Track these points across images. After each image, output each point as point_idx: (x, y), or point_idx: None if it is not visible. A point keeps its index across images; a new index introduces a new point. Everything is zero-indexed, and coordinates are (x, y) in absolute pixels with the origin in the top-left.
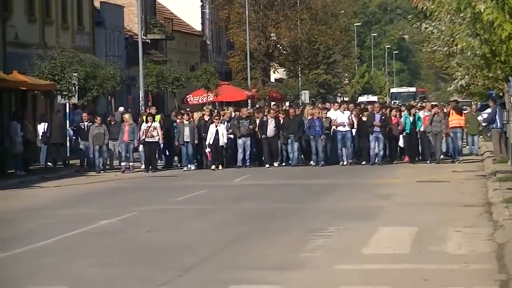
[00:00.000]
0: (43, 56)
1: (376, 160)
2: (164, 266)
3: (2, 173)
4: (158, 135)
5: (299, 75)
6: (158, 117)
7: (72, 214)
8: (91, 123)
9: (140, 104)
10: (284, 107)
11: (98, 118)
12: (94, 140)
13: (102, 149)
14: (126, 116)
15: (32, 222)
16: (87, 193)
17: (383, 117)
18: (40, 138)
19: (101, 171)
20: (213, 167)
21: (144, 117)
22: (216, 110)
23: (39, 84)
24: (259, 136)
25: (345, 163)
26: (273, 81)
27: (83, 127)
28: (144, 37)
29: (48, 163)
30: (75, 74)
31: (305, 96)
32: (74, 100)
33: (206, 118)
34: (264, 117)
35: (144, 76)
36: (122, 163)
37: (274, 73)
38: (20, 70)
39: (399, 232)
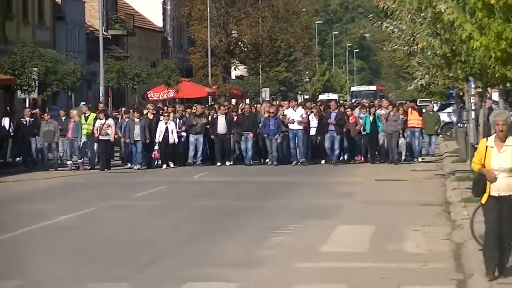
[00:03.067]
0: (3, 51)
1: (332, 160)
2: (122, 262)
3: None
4: (112, 133)
5: (260, 73)
6: (92, 116)
7: (30, 209)
8: (32, 119)
9: (100, 100)
10: (243, 105)
11: (47, 115)
12: (45, 137)
13: (52, 147)
14: (73, 112)
15: None
16: (45, 188)
17: (338, 116)
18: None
19: (52, 169)
20: (164, 166)
21: (92, 115)
22: (165, 108)
23: None
24: (211, 133)
25: (296, 162)
26: (234, 78)
27: (25, 122)
28: (105, 33)
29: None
30: (35, 69)
31: (265, 93)
32: (34, 95)
33: (151, 116)
34: (215, 114)
35: (104, 71)
36: (68, 162)
37: (235, 70)
38: None
39: (358, 231)
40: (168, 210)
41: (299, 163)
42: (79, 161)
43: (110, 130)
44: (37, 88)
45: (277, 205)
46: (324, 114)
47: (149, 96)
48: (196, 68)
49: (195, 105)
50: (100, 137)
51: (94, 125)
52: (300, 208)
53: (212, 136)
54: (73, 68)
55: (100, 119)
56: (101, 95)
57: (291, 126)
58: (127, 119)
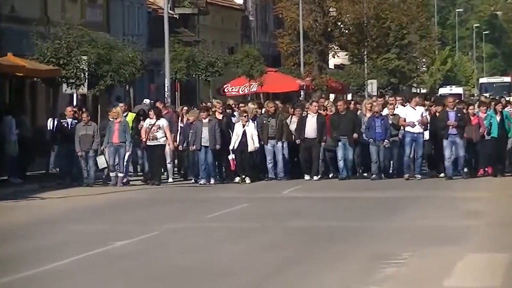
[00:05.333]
0: (45, 35)
1: (451, 172)
2: None
3: None
4: (163, 136)
5: (365, 61)
6: (131, 116)
7: (84, 232)
8: (76, 121)
9: (166, 96)
10: (341, 102)
11: (85, 114)
12: (81, 143)
13: (89, 155)
14: (117, 109)
15: (37, 239)
16: (99, 206)
17: (459, 115)
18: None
19: (88, 185)
20: (237, 179)
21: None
22: (233, 105)
23: (40, 69)
24: (294, 139)
25: (410, 175)
26: (332, 67)
27: (66, 125)
28: (171, 12)
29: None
30: (85, 58)
31: (372, 86)
32: (83, 89)
33: (219, 116)
34: (304, 112)
35: (170, 60)
36: (111, 174)
37: (334, 57)
38: (16, 52)
39: (489, 260)
40: (251, 234)
41: (410, 178)
42: (120, 175)
43: (161, 133)
44: (86, 81)
45: (384, 227)
46: (437, 114)
47: (226, 90)
48: (284, 55)
49: (267, 102)
50: (148, 142)
51: (132, 128)
52: (415, 231)
53: (298, 141)
54: (132, 56)
55: (150, 118)
56: (166, 89)
57: (408, 128)
58: (189, 121)
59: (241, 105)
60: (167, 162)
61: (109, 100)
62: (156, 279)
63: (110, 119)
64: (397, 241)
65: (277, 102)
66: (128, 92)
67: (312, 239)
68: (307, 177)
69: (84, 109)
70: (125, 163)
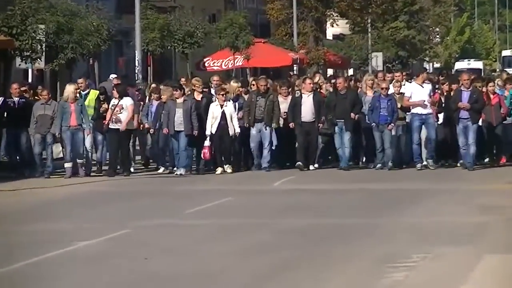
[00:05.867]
0: None
1: (468, 162)
2: None
3: None
4: (128, 118)
5: (369, 30)
6: (94, 94)
7: (41, 231)
8: (23, 100)
9: (137, 71)
10: (341, 79)
11: (46, 91)
12: (38, 125)
13: (47, 140)
14: (70, 88)
15: None
16: (58, 201)
17: (474, 95)
18: None
19: (45, 176)
20: (219, 170)
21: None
22: (214, 82)
23: None
24: (290, 121)
25: (422, 164)
26: (331, 38)
27: (12, 105)
28: None
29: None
30: (42, 27)
31: (377, 60)
32: (40, 64)
33: (198, 96)
34: (297, 92)
35: (142, 29)
36: (66, 165)
37: (332, 26)
38: None
39: (511, 262)
40: (239, 232)
41: (423, 168)
42: (79, 161)
43: (125, 114)
44: (44, 54)
45: (393, 223)
46: (451, 94)
47: (207, 64)
48: (275, 23)
49: (259, 78)
50: (111, 125)
51: (95, 108)
52: (427, 228)
53: (291, 125)
54: (97, 25)
55: (115, 97)
56: (137, 63)
57: (416, 110)
58: (156, 101)
59: (215, 79)
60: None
61: (70, 76)
62: (127, 286)
63: (64, 99)
64: (406, 241)
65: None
66: (92, 66)
67: (308, 239)
68: (301, 165)
69: (41, 87)
70: (85, 149)
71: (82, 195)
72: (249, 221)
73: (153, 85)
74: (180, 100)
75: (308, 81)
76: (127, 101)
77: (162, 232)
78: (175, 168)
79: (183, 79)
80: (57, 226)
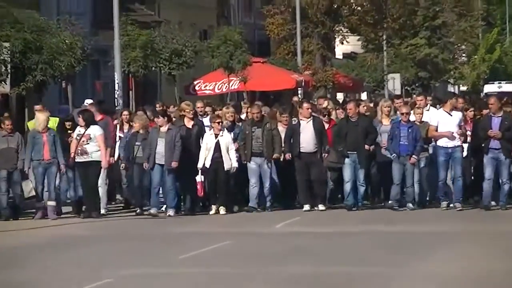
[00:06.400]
0: None
1: (489, 199)
2: None
3: None
4: (97, 150)
5: (384, 48)
6: (54, 122)
7: (9, 281)
8: None
9: (116, 95)
10: (351, 104)
11: (7, 121)
12: (0, 161)
13: (13, 178)
14: (40, 116)
15: None
16: (29, 246)
17: (506, 122)
18: None
19: (10, 219)
20: (213, 209)
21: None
22: (199, 110)
23: None
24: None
25: (450, 205)
26: (340, 57)
27: None
28: None
29: None
30: (7, 45)
31: (394, 82)
32: (5, 87)
33: (189, 123)
34: (294, 119)
35: (122, 48)
36: (38, 204)
37: (342, 43)
38: None
39: None
40: (237, 282)
41: (448, 207)
42: (50, 203)
43: (93, 146)
44: (9, 76)
45: (410, 273)
46: (479, 120)
47: (197, 88)
48: (275, 40)
49: (252, 105)
50: (77, 158)
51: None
52: (450, 279)
53: (287, 156)
54: (70, 43)
55: (80, 126)
56: (116, 87)
57: (441, 142)
58: (133, 129)
59: (198, 105)
60: (98, 185)
61: (39, 101)
62: None
63: (35, 128)
64: None
65: (261, 106)
66: (65, 90)
67: None
68: (306, 207)
69: (5, 114)
70: (57, 185)
71: (57, 239)
72: (247, 269)
73: (125, 112)
74: (164, 129)
75: (305, 105)
76: (95, 130)
77: (151, 282)
78: (163, 208)
79: (171, 107)
80: (27, 275)
